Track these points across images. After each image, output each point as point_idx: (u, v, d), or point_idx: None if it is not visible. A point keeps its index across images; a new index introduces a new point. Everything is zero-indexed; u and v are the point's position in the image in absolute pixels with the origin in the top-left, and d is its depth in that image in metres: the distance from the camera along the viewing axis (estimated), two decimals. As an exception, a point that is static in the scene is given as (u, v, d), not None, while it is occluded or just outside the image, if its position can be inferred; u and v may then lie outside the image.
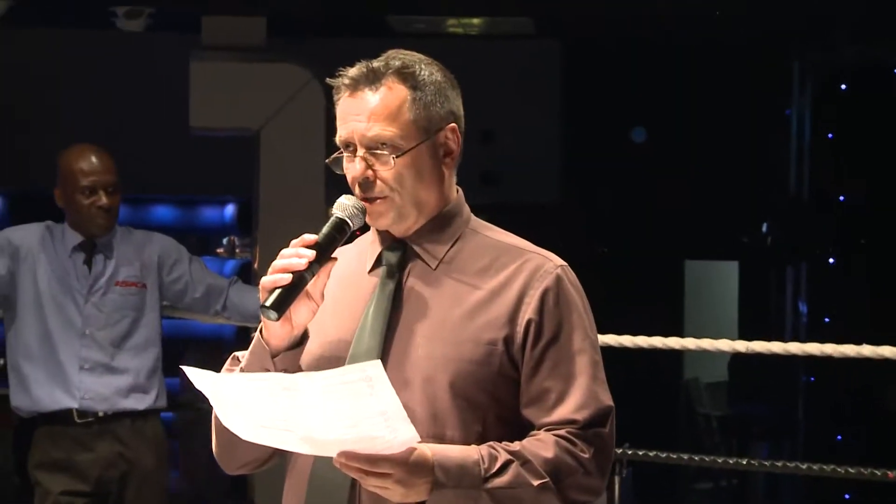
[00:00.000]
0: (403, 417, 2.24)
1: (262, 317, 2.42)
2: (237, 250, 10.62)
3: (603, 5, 7.73)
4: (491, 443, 2.41)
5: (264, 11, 7.68)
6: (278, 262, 2.40)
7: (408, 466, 2.30)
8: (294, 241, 2.43)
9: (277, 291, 2.37)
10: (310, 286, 2.41)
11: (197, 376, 2.34)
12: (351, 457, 2.28)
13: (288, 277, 2.37)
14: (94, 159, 5.04)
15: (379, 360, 2.23)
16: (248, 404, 2.31)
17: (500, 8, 8.21)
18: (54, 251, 5.02)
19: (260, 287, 2.40)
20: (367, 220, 2.50)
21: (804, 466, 5.53)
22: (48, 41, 9.36)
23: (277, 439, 2.35)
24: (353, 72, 2.50)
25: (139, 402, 5.05)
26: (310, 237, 2.42)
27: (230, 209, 10.84)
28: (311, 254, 2.39)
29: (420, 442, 2.32)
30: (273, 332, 2.44)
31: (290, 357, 2.45)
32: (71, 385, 4.97)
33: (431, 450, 2.35)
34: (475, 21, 8.87)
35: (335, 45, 7.36)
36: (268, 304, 2.37)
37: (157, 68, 9.08)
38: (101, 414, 5.00)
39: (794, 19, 8.53)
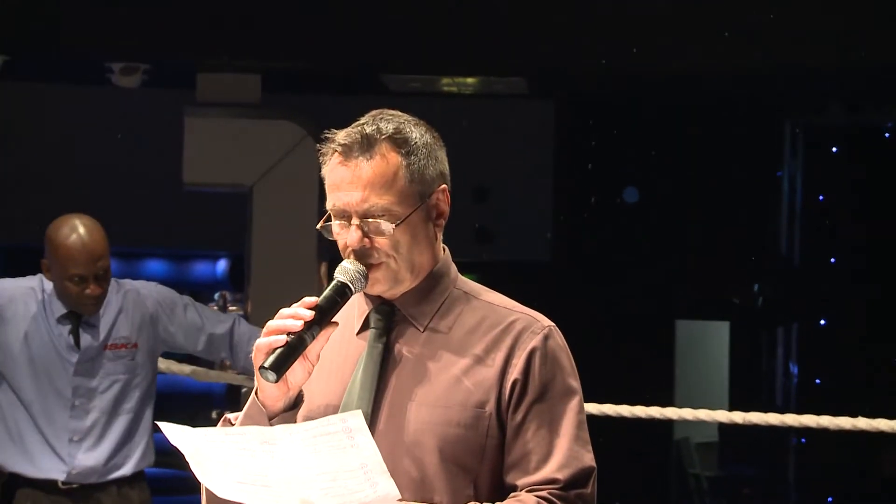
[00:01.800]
0: (383, 471, 2.23)
1: (258, 378, 2.39)
2: (229, 306, 10.61)
3: (596, 67, 7.78)
4: (472, 503, 2.39)
5: (259, 69, 7.72)
6: (275, 323, 2.37)
7: None
8: (296, 304, 2.40)
9: (277, 352, 2.35)
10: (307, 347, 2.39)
11: (172, 432, 2.31)
12: None
13: (283, 339, 2.35)
14: (85, 244, 4.69)
15: (360, 411, 2.21)
16: (226, 459, 2.29)
17: (494, 68, 8.26)
18: (44, 314, 4.85)
19: (255, 348, 2.38)
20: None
21: (795, 528, 5.51)
22: (43, 96, 9.39)
23: (255, 497, 2.31)
24: (344, 137, 2.45)
25: (126, 468, 4.89)
26: (310, 300, 2.40)
27: (222, 264, 10.86)
28: (309, 314, 2.37)
29: (401, 500, 2.30)
30: (269, 393, 2.41)
31: (286, 419, 2.42)
32: (59, 458, 4.80)
33: None
34: (469, 80, 8.91)
35: (330, 103, 7.43)
36: (266, 364, 2.34)
37: (151, 124, 9.11)
38: (87, 483, 4.87)
39: (786, 82, 8.59)
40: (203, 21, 7.31)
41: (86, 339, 4.81)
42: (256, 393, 2.45)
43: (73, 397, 4.78)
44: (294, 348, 2.35)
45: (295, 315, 2.37)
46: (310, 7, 7.18)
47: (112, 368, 4.82)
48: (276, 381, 2.35)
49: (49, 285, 4.81)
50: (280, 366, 2.34)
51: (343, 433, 2.19)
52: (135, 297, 4.92)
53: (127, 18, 7.29)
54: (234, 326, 5.08)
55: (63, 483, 4.79)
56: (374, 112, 2.51)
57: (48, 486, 4.80)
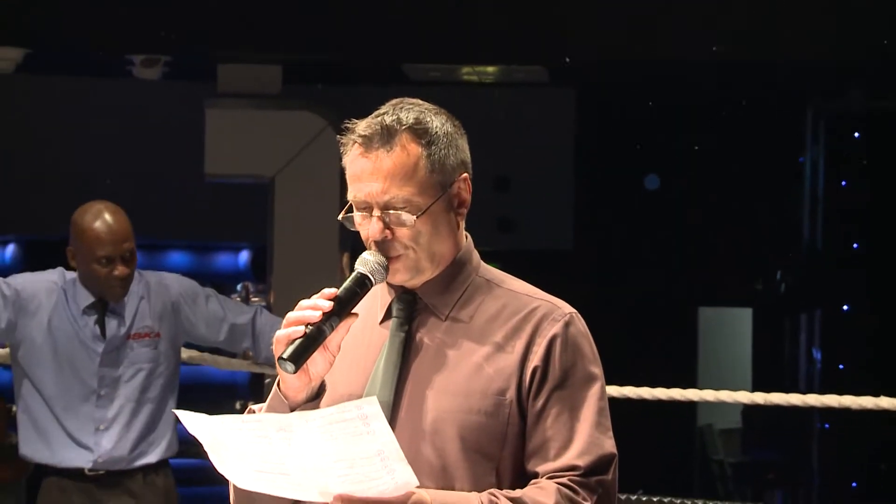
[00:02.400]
0: (401, 458, 2.22)
1: (278, 369, 2.40)
2: (251, 297, 10.63)
3: (617, 54, 7.77)
4: (491, 490, 2.38)
5: (280, 59, 7.73)
6: (294, 314, 2.38)
7: None
8: (315, 296, 2.40)
9: (295, 344, 2.35)
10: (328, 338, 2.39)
11: (190, 420, 2.32)
12: (347, 500, 2.26)
13: (302, 330, 2.35)
14: (110, 226, 4.76)
15: (374, 398, 2.21)
16: (243, 448, 2.29)
17: (514, 56, 8.25)
18: (67, 306, 4.90)
19: (275, 340, 2.38)
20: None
21: (819, 514, 5.51)
22: (65, 89, 9.42)
23: (274, 485, 2.32)
24: (363, 128, 2.45)
25: (152, 456, 4.94)
26: (330, 291, 2.40)
27: (244, 255, 10.86)
28: (328, 305, 2.37)
29: (419, 488, 2.29)
30: (290, 384, 2.42)
31: (308, 409, 2.41)
32: (85, 446, 4.85)
33: (430, 495, 2.32)
34: (490, 69, 8.90)
35: (351, 93, 7.43)
36: (285, 356, 2.34)
37: (172, 116, 9.13)
38: (113, 469, 4.91)
39: (809, 68, 8.56)
40: (224, 12, 7.33)
41: (111, 328, 4.86)
42: (279, 384, 2.45)
43: (98, 387, 4.83)
44: (313, 339, 2.36)
45: (314, 306, 2.37)
46: (329, -3, 7.19)
47: (136, 357, 4.87)
48: (295, 373, 2.36)
49: (72, 276, 4.86)
50: (298, 357, 2.35)
51: (359, 419, 2.19)
52: (157, 287, 4.97)
53: (148, 10, 7.31)
54: (255, 317, 5.11)
55: (89, 471, 4.83)
56: (394, 101, 2.50)
57: (75, 473, 4.85)
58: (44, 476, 4.98)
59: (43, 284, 4.88)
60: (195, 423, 2.32)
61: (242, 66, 7.69)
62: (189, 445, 5.11)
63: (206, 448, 2.36)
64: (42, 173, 9.35)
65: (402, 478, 2.25)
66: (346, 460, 2.23)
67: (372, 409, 2.18)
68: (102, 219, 4.76)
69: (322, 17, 7.29)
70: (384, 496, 2.26)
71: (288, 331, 2.36)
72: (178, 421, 4.80)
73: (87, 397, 4.83)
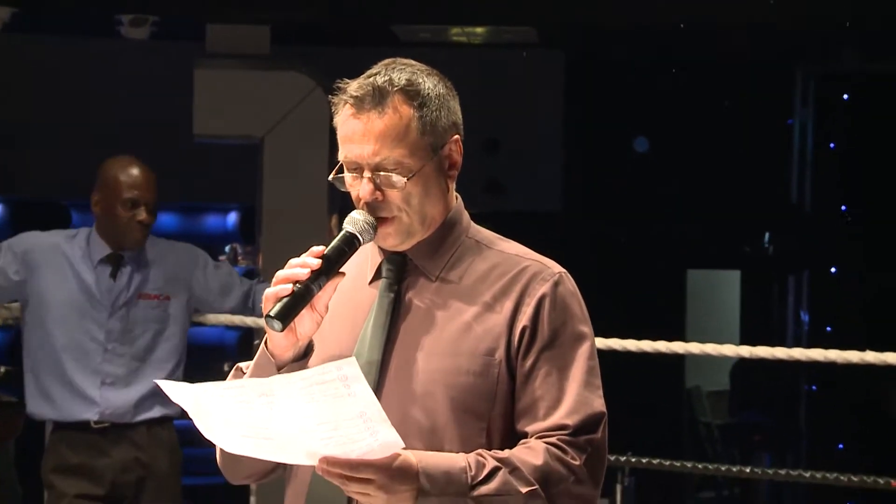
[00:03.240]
0: (383, 419, 2.22)
1: (266, 327, 2.40)
2: (240, 258, 10.61)
3: (606, 17, 7.74)
4: (479, 450, 2.39)
5: (269, 20, 7.70)
6: (283, 273, 2.38)
7: (391, 472, 2.27)
8: (305, 254, 2.41)
9: (283, 301, 2.35)
10: (315, 297, 2.39)
11: (173, 389, 2.32)
12: (332, 462, 2.26)
13: (290, 288, 2.35)
14: (139, 173, 5.05)
15: (353, 358, 2.20)
16: (227, 414, 2.29)
17: (503, 17, 8.22)
18: (80, 261, 4.99)
19: (264, 298, 2.38)
20: (376, 237, 2.48)
21: (807, 475, 5.54)
22: (51, 48, 9.37)
23: (260, 450, 2.33)
24: (355, 89, 2.45)
25: (156, 411, 5.05)
26: (318, 249, 2.40)
27: (233, 217, 10.83)
28: (316, 263, 2.37)
29: (405, 449, 2.30)
30: (277, 343, 2.42)
31: (295, 369, 2.41)
32: (92, 399, 4.96)
33: (416, 456, 2.32)
34: (479, 30, 8.88)
35: (340, 54, 7.39)
36: (272, 314, 2.35)
37: (161, 76, 9.09)
38: (119, 422, 5.00)
39: (796, 30, 8.54)
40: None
41: (122, 282, 5.03)
42: (266, 343, 2.46)
43: (106, 341, 4.94)
44: (300, 297, 2.35)
45: (302, 264, 2.37)
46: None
47: (145, 316, 5.02)
48: (282, 331, 2.36)
49: (86, 232, 4.97)
50: (285, 315, 2.35)
51: (339, 381, 2.18)
52: (170, 253, 5.23)
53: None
54: (253, 286, 5.29)
55: (95, 423, 4.92)
56: (386, 61, 2.50)
57: (81, 426, 4.94)
58: (51, 433, 5.07)
59: (55, 239, 5.10)
60: (178, 391, 2.33)
61: (231, 27, 7.65)
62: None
63: (191, 415, 2.36)
64: (27, 134, 9.31)
65: (387, 439, 2.24)
66: (328, 423, 2.22)
67: (351, 370, 2.18)
68: (132, 165, 5.08)
69: (311, -23, 7.25)
70: (369, 457, 2.26)
71: (276, 288, 2.36)
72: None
73: (94, 351, 4.95)
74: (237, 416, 2.28)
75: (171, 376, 5.04)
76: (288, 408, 2.22)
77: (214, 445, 2.48)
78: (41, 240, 5.07)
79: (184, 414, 5.08)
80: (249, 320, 5.46)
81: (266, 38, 7.68)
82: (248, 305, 5.37)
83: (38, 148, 9.20)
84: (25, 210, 9.56)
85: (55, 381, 4.99)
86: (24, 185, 9.29)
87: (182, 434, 5.27)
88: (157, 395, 5.03)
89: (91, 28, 9.00)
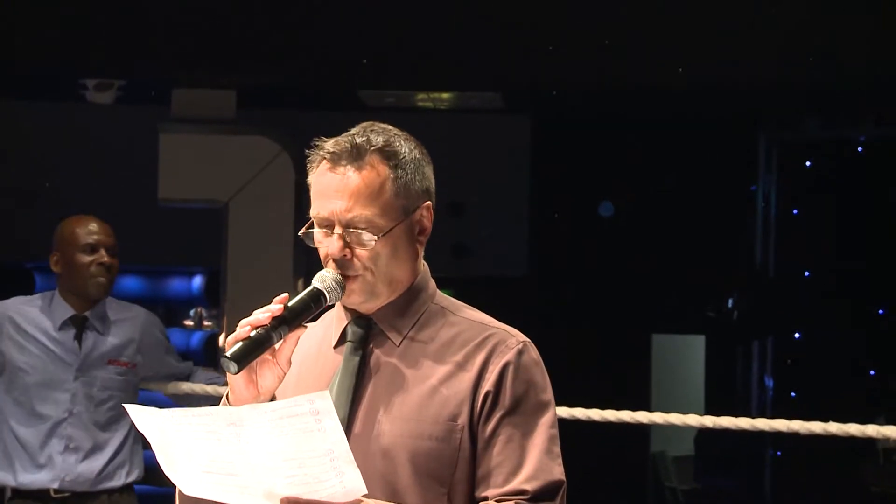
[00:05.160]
0: (350, 461, 2.20)
1: (229, 380, 2.39)
2: (204, 321, 10.59)
3: (571, 82, 7.79)
4: None
5: (234, 84, 7.72)
6: (246, 319, 2.37)
7: None
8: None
9: (240, 344, 2.34)
10: (276, 350, 2.38)
11: (139, 415, 2.29)
12: (294, 503, 2.25)
13: (250, 330, 2.34)
14: (95, 223, 5.05)
15: (327, 392, 2.19)
16: (191, 446, 2.26)
17: (469, 83, 8.27)
18: (43, 324, 4.95)
19: (227, 342, 2.37)
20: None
21: (771, 541, 5.52)
22: (17, 112, 9.36)
23: (219, 489, 2.30)
24: (334, 146, 2.45)
25: (117, 480, 4.99)
26: (284, 296, 2.40)
27: (198, 280, 10.82)
28: (279, 309, 2.37)
29: (367, 497, 2.28)
30: (239, 395, 2.41)
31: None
32: (53, 466, 4.88)
33: None
34: (445, 96, 8.92)
35: (306, 118, 7.42)
36: (228, 354, 2.33)
37: (126, 140, 9.09)
38: (79, 491, 4.94)
39: (760, 97, 8.62)
40: (177, 37, 7.30)
41: (87, 344, 4.95)
42: (228, 397, 2.45)
43: (71, 404, 4.86)
44: (259, 343, 2.34)
45: (265, 310, 2.37)
46: (284, 23, 7.18)
47: (112, 382, 4.97)
48: (237, 373, 2.34)
49: (49, 295, 4.98)
50: (241, 357, 2.33)
51: (310, 415, 2.16)
52: (146, 324, 5.15)
53: (101, 34, 7.28)
54: (192, 374, 5.34)
55: (55, 492, 4.85)
56: (364, 124, 2.51)
57: (40, 495, 4.86)
58: (8, 500, 4.99)
59: (14, 307, 5.00)
60: (144, 418, 2.29)
61: (196, 91, 7.67)
62: (154, 473, 5.18)
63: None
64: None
65: (351, 483, 2.22)
66: (295, 459, 2.20)
67: (324, 403, 2.16)
68: (87, 219, 5.06)
69: (277, 42, 7.28)
70: (332, 501, 2.24)
71: (237, 332, 2.36)
72: (144, 448, 4.89)
73: (58, 415, 4.87)
74: (202, 448, 2.25)
75: (130, 439, 5.01)
76: (256, 440, 2.20)
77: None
78: (3, 308, 5.02)
79: (145, 479, 5.07)
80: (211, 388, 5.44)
81: (232, 102, 7.70)
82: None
83: (0, 211, 9.16)
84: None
85: (17, 447, 4.93)
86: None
87: (143, 501, 5.22)
88: (120, 462, 4.98)
89: (56, 92, 9.01)
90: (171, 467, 2.33)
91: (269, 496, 2.26)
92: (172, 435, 2.28)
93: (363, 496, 2.27)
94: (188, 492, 2.35)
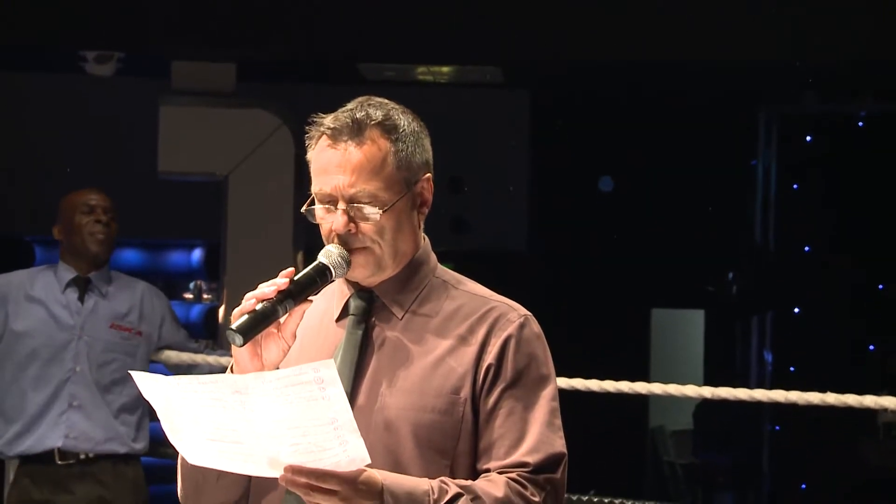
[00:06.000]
0: (353, 429, 2.21)
1: (234, 352, 2.40)
2: (204, 295, 10.59)
3: (571, 56, 7.77)
4: (442, 478, 2.38)
5: (234, 57, 7.70)
6: (252, 292, 2.39)
7: (355, 485, 2.26)
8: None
9: (245, 317, 2.35)
10: (281, 324, 2.39)
11: (145, 382, 2.29)
12: (298, 471, 2.24)
13: (255, 303, 2.36)
14: (95, 192, 5.21)
15: (332, 360, 2.20)
16: (196, 413, 2.26)
17: (469, 56, 8.24)
18: (47, 290, 5.04)
19: (232, 315, 2.38)
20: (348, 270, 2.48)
21: (769, 515, 5.53)
22: (17, 85, 9.34)
23: (223, 457, 2.30)
24: (333, 121, 2.46)
25: (122, 446, 5.03)
26: (289, 270, 2.41)
27: (198, 253, 10.80)
28: (284, 283, 2.38)
29: (370, 466, 2.28)
30: (244, 368, 2.41)
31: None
32: (58, 423, 4.95)
33: (381, 474, 2.31)
34: (444, 69, 8.90)
35: (305, 92, 7.41)
36: (234, 326, 2.34)
37: (125, 113, 9.07)
38: (82, 456, 4.97)
39: (760, 72, 8.60)
40: (177, 9, 7.29)
41: (88, 305, 5.07)
42: (232, 369, 2.45)
43: (73, 363, 4.93)
44: (264, 316, 2.35)
45: (271, 284, 2.38)
46: (285, -5, 7.17)
47: (113, 346, 5.07)
48: (242, 346, 2.35)
49: (52, 266, 5.14)
50: (247, 330, 2.34)
51: (315, 383, 2.17)
52: (152, 296, 5.29)
53: (101, 6, 7.26)
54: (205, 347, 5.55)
55: (60, 456, 4.89)
56: (360, 98, 2.51)
57: (46, 459, 4.90)
58: (17, 467, 5.03)
59: (18, 279, 5.13)
60: (150, 385, 2.30)
61: (196, 64, 7.65)
62: (158, 445, 5.22)
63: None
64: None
65: (354, 452, 2.23)
66: (299, 427, 2.21)
67: (328, 372, 2.17)
68: (90, 190, 5.25)
69: (277, 15, 7.26)
70: (335, 470, 2.25)
71: (243, 305, 2.37)
72: (151, 420, 4.93)
73: (62, 373, 4.94)
74: (207, 415, 2.25)
75: (135, 409, 5.06)
76: (260, 407, 2.20)
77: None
78: (5, 279, 5.12)
79: (150, 451, 5.11)
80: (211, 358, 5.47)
81: (232, 75, 7.67)
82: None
83: (1, 183, 9.16)
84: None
85: (22, 412, 4.97)
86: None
87: (149, 471, 5.25)
88: (125, 429, 5.02)
89: (56, 64, 8.99)
90: (175, 435, 2.34)
91: (274, 464, 2.26)
92: (178, 402, 2.28)
93: (366, 466, 2.27)
94: (192, 460, 2.36)
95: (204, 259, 10.53)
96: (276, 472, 2.27)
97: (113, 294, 5.13)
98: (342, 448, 2.22)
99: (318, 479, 2.24)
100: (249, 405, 2.21)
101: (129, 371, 2.42)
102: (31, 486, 4.97)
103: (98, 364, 5.03)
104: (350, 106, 2.50)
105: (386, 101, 2.52)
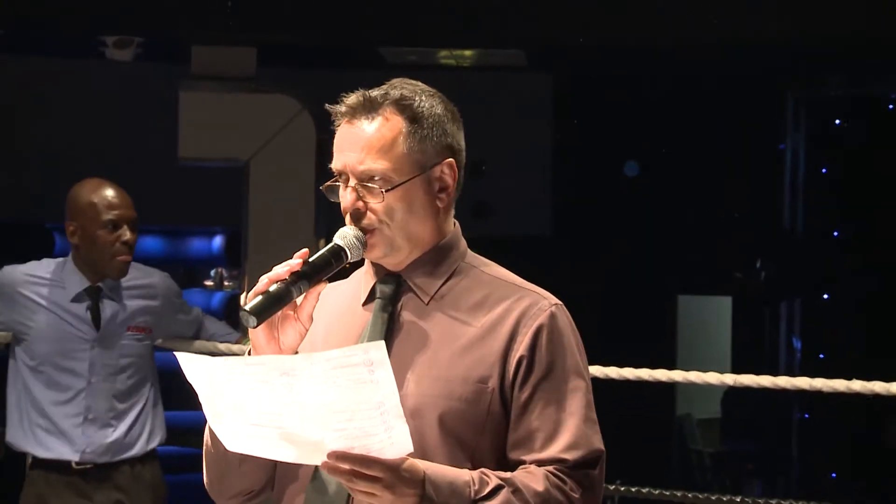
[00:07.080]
0: (399, 415, 2.18)
1: (252, 336, 2.38)
2: (225, 282, 10.55)
3: (595, 39, 7.70)
4: (482, 469, 2.36)
5: (255, 42, 7.64)
6: (267, 274, 2.37)
7: (399, 473, 2.24)
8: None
9: (259, 298, 2.32)
10: (298, 307, 2.37)
11: (189, 363, 2.25)
12: (342, 456, 2.21)
13: (270, 284, 2.33)
14: (116, 191, 4.77)
15: (383, 342, 2.16)
16: (241, 397, 2.23)
17: (491, 40, 8.18)
18: (56, 294, 4.79)
19: (247, 297, 2.37)
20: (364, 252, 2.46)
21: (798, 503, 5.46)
22: (36, 69, 9.31)
23: (265, 443, 2.26)
24: (351, 100, 2.47)
25: (139, 448, 4.89)
26: (304, 251, 2.39)
27: (218, 240, 10.77)
28: (298, 263, 2.35)
29: (411, 455, 2.26)
30: (261, 352, 2.39)
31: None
32: (73, 437, 4.78)
33: (423, 463, 2.29)
34: (467, 53, 8.84)
35: (326, 76, 7.32)
36: (248, 307, 2.31)
37: (145, 98, 9.03)
38: (100, 461, 4.85)
39: (788, 54, 8.52)
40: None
41: (106, 314, 4.82)
42: (249, 354, 2.43)
43: (89, 375, 4.76)
44: (278, 297, 2.33)
45: (285, 265, 2.36)
46: (305, -22, 7.11)
47: (131, 349, 4.86)
48: (255, 326, 2.32)
49: (60, 263, 4.81)
50: (260, 311, 2.31)
51: (364, 365, 2.14)
52: (160, 286, 5.01)
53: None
54: (204, 322, 5.25)
55: (77, 463, 4.77)
56: (393, 80, 2.52)
57: (62, 466, 4.78)
58: (30, 468, 4.91)
59: (30, 276, 4.84)
60: (195, 367, 2.25)
61: (217, 49, 7.59)
62: (175, 434, 5.12)
63: (201, 398, 2.29)
64: (10, 155, 9.24)
65: (399, 438, 2.20)
66: (345, 412, 2.17)
67: (378, 354, 2.14)
68: (105, 186, 4.78)
69: (298, -2, 7.21)
70: (379, 457, 2.22)
71: (257, 286, 2.35)
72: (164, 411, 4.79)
73: (77, 385, 4.77)
74: (252, 398, 2.21)
75: (149, 404, 4.92)
76: (308, 390, 2.17)
77: (200, 469, 2.46)
78: (16, 275, 4.87)
79: (169, 440, 4.99)
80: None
81: (252, 60, 7.61)
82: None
83: (17, 168, 9.13)
84: (7, 233, 9.46)
85: (36, 415, 4.83)
86: (5, 207, 9.22)
87: (165, 462, 5.14)
88: (140, 429, 4.89)
89: (75, 49, 8.95)
90: (217, 419, 2.30)
91: (317, 449, 2.23)
92: (222, 385, 2.24)
93: (408, 455, 2.24)
94: (231, 447, 2.32)
95: (225, 246, 10.50)
96: (317, 459, 2.24)
97: (126, 295, 4.90)
98: (387, 434, 2.19)
99: (362, 466, 2.22)
100: (297, 388, 2.18)
101: (175, 353, 2.33)
102: (48, 491, 4.83)
103: (115, 372, 4.83)
104: (377, 87, 2.50)
105: (417, 83, 2.52)
